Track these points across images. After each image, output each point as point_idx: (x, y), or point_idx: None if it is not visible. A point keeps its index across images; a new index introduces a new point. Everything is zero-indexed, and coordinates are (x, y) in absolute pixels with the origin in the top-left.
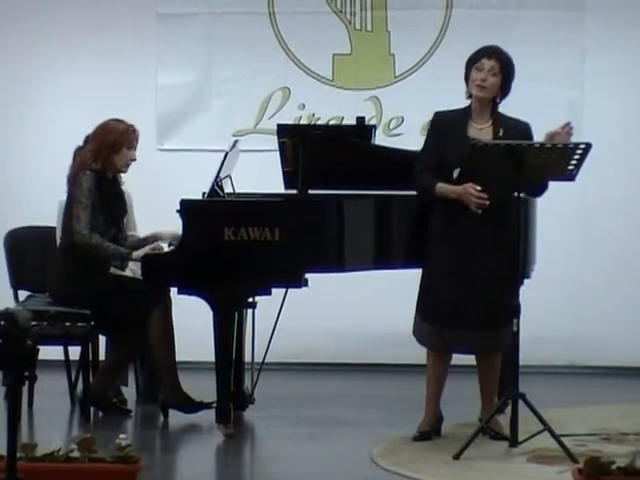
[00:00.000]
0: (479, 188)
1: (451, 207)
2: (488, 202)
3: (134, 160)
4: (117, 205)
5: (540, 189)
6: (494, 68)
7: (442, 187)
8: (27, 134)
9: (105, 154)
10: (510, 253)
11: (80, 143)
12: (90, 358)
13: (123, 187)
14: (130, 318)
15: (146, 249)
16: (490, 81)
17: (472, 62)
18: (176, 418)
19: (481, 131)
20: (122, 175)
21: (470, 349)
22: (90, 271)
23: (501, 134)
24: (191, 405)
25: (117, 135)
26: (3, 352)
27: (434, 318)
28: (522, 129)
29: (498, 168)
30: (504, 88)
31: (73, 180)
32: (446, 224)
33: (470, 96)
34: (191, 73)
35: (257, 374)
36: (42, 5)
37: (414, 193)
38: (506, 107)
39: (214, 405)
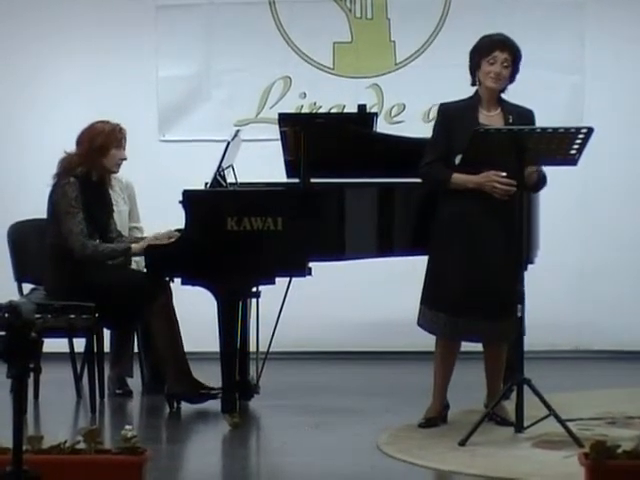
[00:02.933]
0: (504, 174)
1: (460, 197)
2: (515, 188)
3: (124, 159)
4: (100, 211)
5: (540, 185)
6: (507, 60)
7: (459, 177)
8: (29, 128)
9: (93, 157)
10: (514, 239)
11: None
12: (95, 350)
13: (125, 177)
14: (131, 310)
15: (147, 240)
16: (504, 74)
17: (483, 53)
18: (182, 408)
19: (492, 118)
20: (123, 167)
21: (480, 338)
22: (85, 266)
23: (511, 120)
24: (197, 395)
25: (104, 137)
26: (7, 344)
27: (448, 308)
28: (528, 116)
29: (500, 154)
30: (512, 77)
31: (57, 185)
32: (455, 214)
33: (474, 84)
34: (192, 64)
35: (262, 364)
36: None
37: (416, 180)
38: (507, 93)
39: (219, 395)
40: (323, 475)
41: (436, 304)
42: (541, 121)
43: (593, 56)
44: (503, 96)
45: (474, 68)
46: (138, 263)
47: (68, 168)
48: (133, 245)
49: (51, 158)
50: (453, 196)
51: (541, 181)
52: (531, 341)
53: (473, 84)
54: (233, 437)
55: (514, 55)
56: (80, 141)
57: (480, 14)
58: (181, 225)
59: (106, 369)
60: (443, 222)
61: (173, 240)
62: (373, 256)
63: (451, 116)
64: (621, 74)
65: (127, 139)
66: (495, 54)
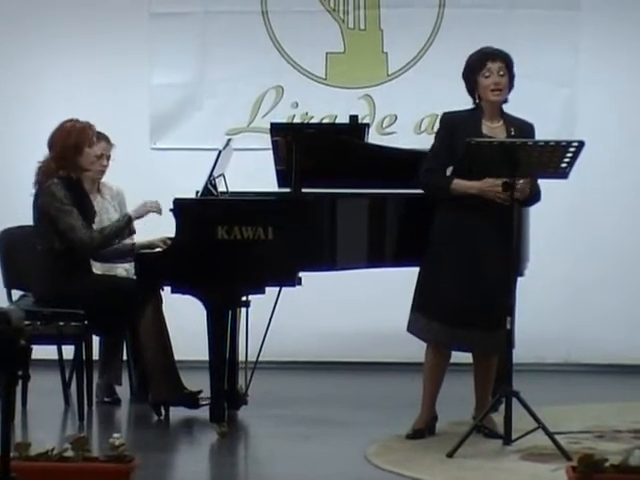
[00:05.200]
0: (500, 182)
1: (457, 208)
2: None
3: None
4: (88, 206)
5: (533, 200)
6: (502, 69)
7: (460, 183)
8: (20, 134)
9: (69, 157)
10: (509, 251)
11: None
12: (84, 357)
13: (115, 185)
14: (120, 317)
15: (145, 204)
16: (503, 82)
17: (476, 69)
18: (170, 417)
19: (495, 130)
20: (113, 174)
21: (473, 348)
22: (74, 273)
23: (513, 133)
24: (181, 398)
25: (76, 135)
26: None
27: (443, 317)
28: (528, 129)
29: (492, 166)
30: (511, 84)
31: (41, 189)
32: (453, 225)
33: (475, 102)
34: (184, 72)
35: (251, 373)
36: (35, 6)
37: (408, 191)
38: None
39: (208, 404)
40: None
41: (431, 313)
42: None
43: (586, 69)
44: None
45: (472, 87)
46: (128, 271)
47: (48, 173)
48: (131, 212)
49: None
50: (450, 206)
51: (534, 196)
52: (520, 354)
53: (474, 103)
54: (221, 446)
55: (506, 62)
56: (53, 143)
57: (473, 26)
58: (172, 234)
59: (95, 377)
60: (440, 232)
61: (164, 247)
62: (363, 267)
63: (455, 125)
64: (614, 86)
65: (117, 146)
66: (488, 66)
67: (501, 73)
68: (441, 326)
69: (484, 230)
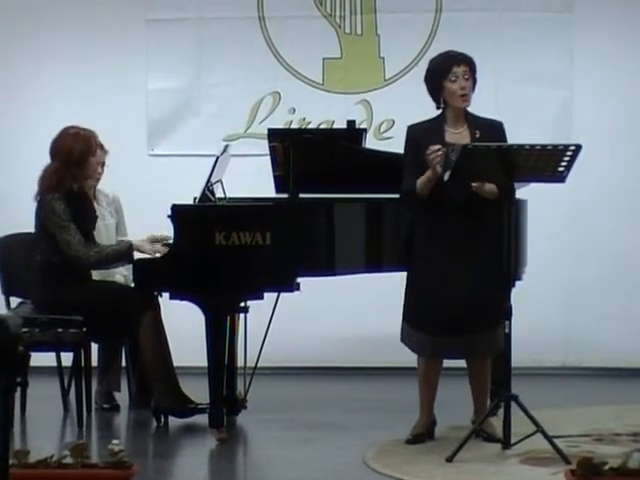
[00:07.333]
0: (437, 147)
1: (434, 215)
2: (440, 152)
3: (100, 163)
4: (88, 220)
5: (503, 196)
6: (466, 72)
7: (420, 179)
8: (16, 141)
9: (72, 171)
10: (501, 255)
11: None
12: (82, 364)
13: (111, 191)
14: (119, 323)
15: (148, 237)
16: (468, 87)
17: (442, 73)
18: (169, 423)
19: (458, 135)
20: (110, 180)
21: (461, 353)
22: (72, 280)
23: (478, 135)
24: (184, 410)
25: (81, 146)
26: None
27: (428, 327)
28: (496, 128)
29: (488, 170)
30: (473, 88)
31: (42, 202)
32: (431, 232)
33: (439, 107)
34: (181, 78)
35: (250, 379)
36: (31, 12)
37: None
38: (497, 108)
39: (207, 410)
40: None
41: (417, 323)
42: (530, 136)
43: (581, 72)
44: (491, 110)
45: (436, 91)
46: (126, 277)
47: (49, 188)
48: (134, 241)
49: (39, 171)
50: (429, 215)
51: (504, 192)
52: (518, 357)
53: (438, 108)
54: (220, 452)
55: (470, 66)
56: (56, 152)
57: (469, 30)
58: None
59: (94, 383)
60: (419, 241)
61: (164, 249)
62: (362, 272)
63: (419, 137)
64: (609, 90)
65: (115, 152)
66: (454, 70)
67: (466, 77)
68: (426, 337)
69: (463, 234)
